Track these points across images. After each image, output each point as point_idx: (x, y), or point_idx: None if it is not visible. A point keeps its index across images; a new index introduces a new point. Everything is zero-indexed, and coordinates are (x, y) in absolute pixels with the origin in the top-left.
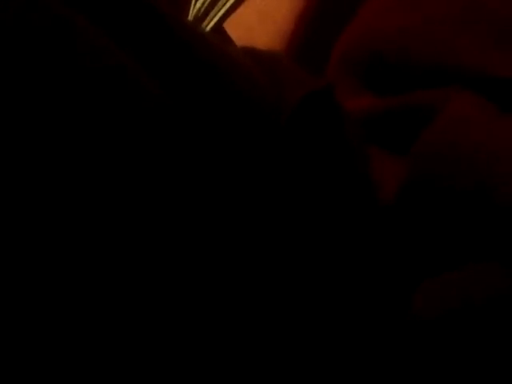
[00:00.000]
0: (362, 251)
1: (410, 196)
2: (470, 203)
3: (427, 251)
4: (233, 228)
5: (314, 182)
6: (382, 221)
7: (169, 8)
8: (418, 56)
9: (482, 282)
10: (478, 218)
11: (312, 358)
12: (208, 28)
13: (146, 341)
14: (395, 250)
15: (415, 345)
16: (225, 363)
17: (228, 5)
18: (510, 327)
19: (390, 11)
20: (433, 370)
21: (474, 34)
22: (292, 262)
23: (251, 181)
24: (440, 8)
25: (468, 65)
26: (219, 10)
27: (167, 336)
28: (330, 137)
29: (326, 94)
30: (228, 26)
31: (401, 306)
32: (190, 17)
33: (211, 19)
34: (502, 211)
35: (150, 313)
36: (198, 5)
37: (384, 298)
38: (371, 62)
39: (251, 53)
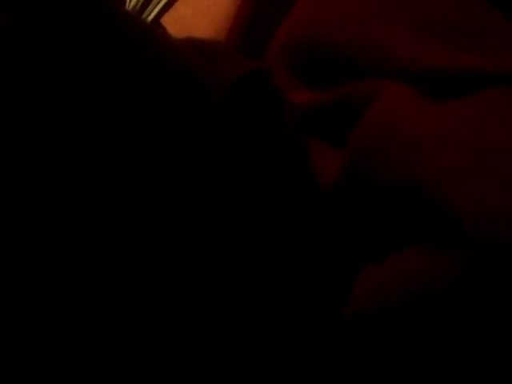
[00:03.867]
0: (298, 236)
1: (346, 186)
2: (400, 197)
3: (364, 240)
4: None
5: (250, 157)
6: (320, 208)
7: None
8: (352, 49)
9: (423, 270)
10: (408, 209)
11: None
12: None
13: (146, 340)
14: (333, 239)
15: (353, 340)
16: (224, 362)
17: (164, 0)
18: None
19: (324, 4)
20: (372, 369)
21: (405, 26)
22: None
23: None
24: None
25: (401, 56)
26: (156, 6)
27: (167, 335)
28: (267, 115)
29: (264, 74)
30: (165, 22)
31: (339, 297)
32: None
33: (148, 15)
34: (431, 208)
35: (150, 312)
36: (134, 1)
37: (322, 290)
38: (307, 57)
39: (189, 41)
